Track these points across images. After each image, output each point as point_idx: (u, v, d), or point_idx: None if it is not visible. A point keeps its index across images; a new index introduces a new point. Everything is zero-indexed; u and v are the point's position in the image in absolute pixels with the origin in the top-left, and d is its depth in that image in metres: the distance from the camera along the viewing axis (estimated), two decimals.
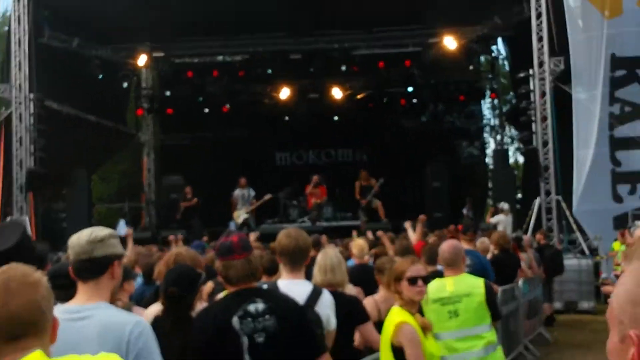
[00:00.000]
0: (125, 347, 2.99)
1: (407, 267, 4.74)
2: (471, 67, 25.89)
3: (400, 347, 4.51)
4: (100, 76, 23.00)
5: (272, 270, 6.56)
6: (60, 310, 3.09)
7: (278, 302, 4.00)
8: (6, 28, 20.68)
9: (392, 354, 4.55)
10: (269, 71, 25.15)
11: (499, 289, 9.63)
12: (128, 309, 4.91)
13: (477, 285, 6.00)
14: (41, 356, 1.96)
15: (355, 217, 21.01)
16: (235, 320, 3.81)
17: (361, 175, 21.11)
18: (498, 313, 6.30)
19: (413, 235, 12.02)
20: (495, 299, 6.35)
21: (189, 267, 4.58)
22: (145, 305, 5.31)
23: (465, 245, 8.90)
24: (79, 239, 3.33)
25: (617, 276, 8.95)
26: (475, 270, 9.03)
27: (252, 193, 20.86)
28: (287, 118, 26.49)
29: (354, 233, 14.90)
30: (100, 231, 3.38)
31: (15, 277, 2.07)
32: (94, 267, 3.29)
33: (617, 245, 14.36)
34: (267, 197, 20.62)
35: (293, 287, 4.61)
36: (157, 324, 4.27)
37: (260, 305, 3.87)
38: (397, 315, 4.62)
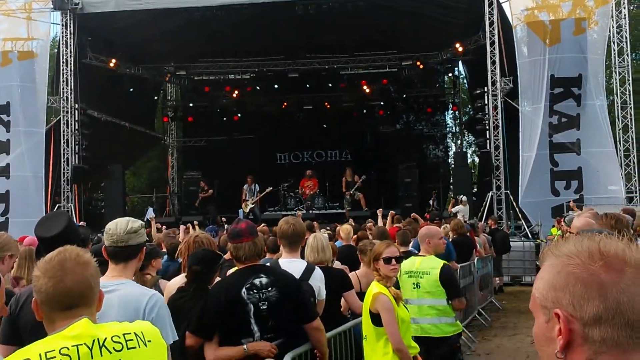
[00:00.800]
0: (142, 315, 2.99)
1: (384, 249, 4.75)
2: (437, 85, 25.91)
3: (377, 313, 4.54)
4: (133, 90, 22.91)
5: (274, 250, 6.61)
6: None
7: (279, 276, 4.00)
8: (55, 50, 20.55)
9: (371, 319, 4.58)
10: (272, 87, 25.12)
11: (458, 266, 9.68)
12: (156, 281, 4.91)
13: (435, 266, 5.93)
14: (87, 322, 1.97)
15: (341, 206, 21.02)
16: (243, 292, 3.82)
17: (346, 172, 21.13)
18: (453, 292, 5.96)
19: (381, 221, 12.09)
20: (451, 280, 6.02)
21: (211, 251, 4.60)
22: (169, 278, 5.31)
23: None
24: (118, 228, 3.28)
25: None
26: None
27: (257, 188, 20.87)
28: (286, 125, 26.46)
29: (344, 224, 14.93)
30: (135, 223, 3.35)
31: (70, 258, 2.08)
32: (127, 253, 3.27)
33: (554, 231, 14.41)
34: (269, 189, 20.62)
35: (291, 264, 4.63)
36: (181, 293, 4.30)
37: (264, 280, 3.88)
38: (375, 288, 4.64)
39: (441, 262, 6.01)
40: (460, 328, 6.20)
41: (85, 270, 2.08)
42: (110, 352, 1.92)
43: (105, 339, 1.93)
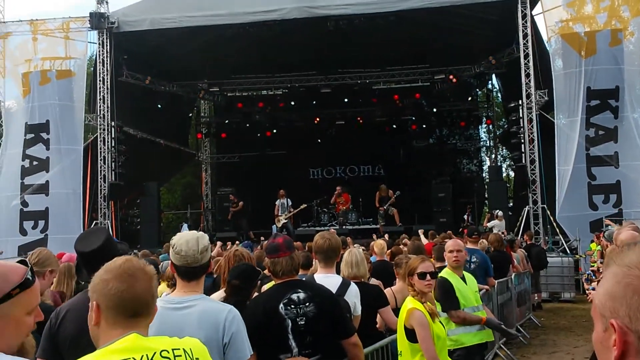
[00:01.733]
0: (222, 330, 3.01)
1: (418, 264, 4.72)
2: (470, 98, 25.76)
3: (412, 329, 4.50)
4: (167, 107, 23.23)
5: (307, 265, 6.59)
6: (163, 301, 3.13)
7: (316, 292, 3.99)
8: (92, 69, 20.98)
9: (406, 335, 4.54)
10: (305, 102, 25.22)
11: (495, 282, 9.56)
12: None
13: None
14: (136, 336, 1.99)
15: (375, 222, 20.95)
16: (281, 307, 3.82)
17: (380, 188, 21.08)
18: (443, 305, 5.85)
19: (425, 240, 12.04)
20: (440, 292, 5.84)
21: (250, 266, 4.60)
22: (206, 294, 5.33)
23: (471, 246, 8.87)
24: (190, 248, 3.20)
25: (593, 272, 8.79)
26: (480, 266, 9.00)
27: (290, 202, 20.91)
28: (319, 140, 26.53)
29: (374, 236, 14.92)
30: (204, 239, 3.29)
31: (137, 267, 2.13)
32: (201, 271, 3.26)
33: (593, 246, 14.11)
34: (303, 206, 20.66)
35: (326, 279, 4.60)
36: None
37: (301, 295, 3.88)
38: (409, 303, 4.61)
39: (439, 275, 5.95)
40: (465, 343, 6.02)
41: (150, 280, 2.13)
42: None
43: (155, 353, 1.95)
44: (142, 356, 1.92)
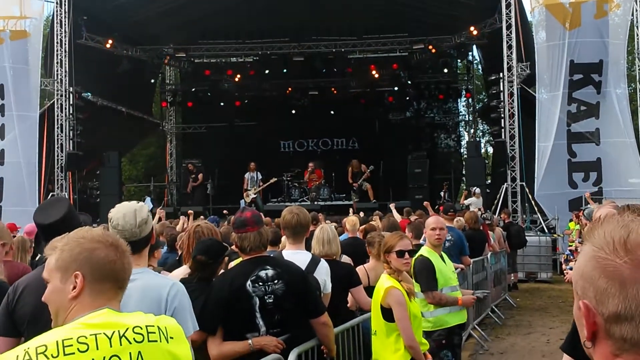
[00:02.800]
0: (164, 305, 3.03)
1: (397, 241, 4.76)
2: (449, 70, 25.83)
3: (389, 307, 4.55)
4: (130, 73, 22.87)
5: (275, 242, 6.60)
6: None
7: (285, 269, 4.01)
8: (48, 30, 20.54)
9: (382, 314, 4.59)
10: (276, 71, 25.02)
11: (470, 261, 9.70)
12: (158, 273, 4.93)
13: (415, 257, 5.85)
14: (109, 311, 1.99)
15: (348, 198, 21.03)
16: (248, 284, 3.83)
17: (352, 163, 21.13)
18: (422, 285, 5.90)
19: (398, 216, 12.11)
20: (420, 271, 5.93)
21: (217, 241, 4.58)
22: (169, 269, 5.33)
23: (447, 223, 8.96)
24: (127, 222, 3.21)
25: (571, 251, 8.98)
26: (455, 244, 9.11)
27: (260, 176, 20.90)
28: (291, 112, 26.43)
29: (351, 212, 14.99)
30: (142, 211, 3.28)
31: (118, 239, 2.15)
32: (141, 244, 3.25)
33: (572, 225, 14.40)
34: (273, 180, 20.63)
35: (295, 256, 4.61)
36: (184, 284, 4.31)
37: (270, 272, 3.90)
38: (386, 281, 4.64)
39: (419, 253, 6.02)
40: (446, 323, 6.06)
41: (128, 254, 2.15)
42: (130, 343, 1.92)
43: (127, 329, 1.94)
44: (114, 332, 1.91)
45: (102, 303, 2.00)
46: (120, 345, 1.91)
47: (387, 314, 4.55)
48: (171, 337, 2.03)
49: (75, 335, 1.87)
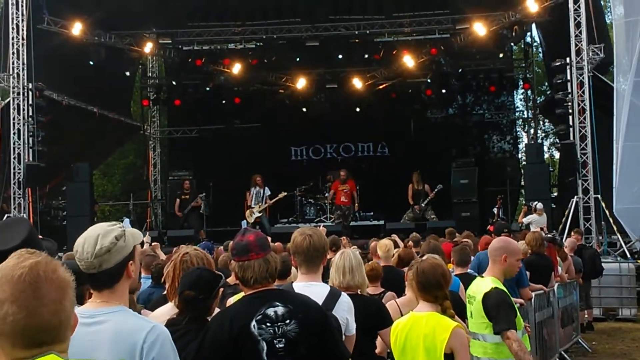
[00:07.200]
0: (139, 354, 2.98)
1: None
2: (502, 56, 25.79)
3: (451, 353, 4.44)
4: (103, 65, 23.00)
5: (283, 273, 6.44)
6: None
7: (299, 305, 3.96)
8: (1, 12, 20.69)
9: None
10: (284, 60, 25.08)
11: (531, 295, 9.62)
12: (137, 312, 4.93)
13: (483, 288, 5.70)
14: (54, 358, 1.97)
15: (376, 217, 21.01)
16: (253, 325, 3.80)
17: (413, 177, 21.13)
18: (500, 323, 5.55)
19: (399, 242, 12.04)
20: (498, 307, 5.63)
21: (207, 270, 4.55)
22: (152, 308, 5.32)
23: None
24: (85, 250, 3.19)
25: None
26: None
27: (268, 192, 20.80)
28: (303, 110, 26.47)
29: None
30: (106, 238, 3.21)
31: (46, 277, 2.04)
32: (105, 278, 3.22)
33: None
34: (282, 195, 20.62)
35: (308, 289, 4.57)
36: (170, 327, 4.29)
37: (280, 309, 3.86)
38: (446, 320, 4.56)
39: (491, 285, 5.75)
40: None
41: (65, 296, 2.06)
42: None
43: None
44: None
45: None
46: None
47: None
48: None
49: None
